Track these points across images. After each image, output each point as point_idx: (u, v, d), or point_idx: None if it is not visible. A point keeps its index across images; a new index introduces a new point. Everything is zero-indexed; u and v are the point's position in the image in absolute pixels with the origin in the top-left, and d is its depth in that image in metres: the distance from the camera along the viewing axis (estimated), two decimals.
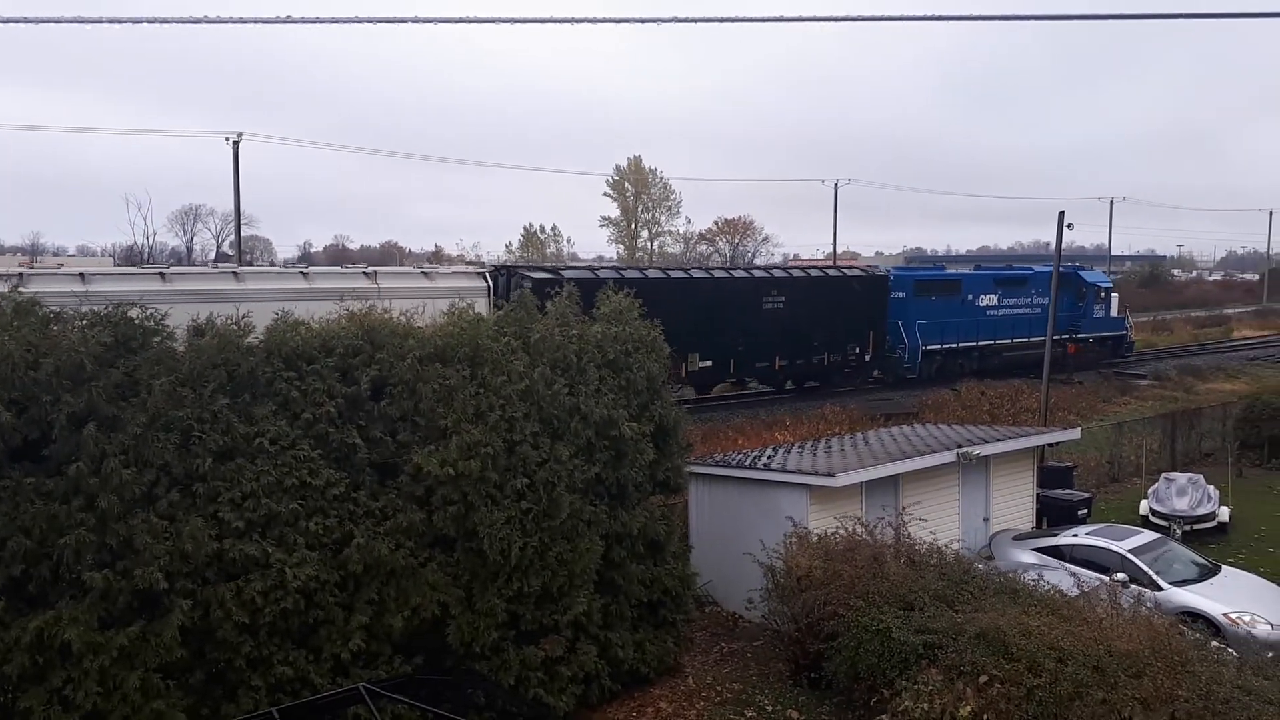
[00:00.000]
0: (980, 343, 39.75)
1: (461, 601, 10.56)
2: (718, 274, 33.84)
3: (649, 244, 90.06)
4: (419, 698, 8.14)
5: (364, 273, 24.84)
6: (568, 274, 26.93)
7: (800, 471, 14.36)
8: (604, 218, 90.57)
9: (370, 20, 10.19)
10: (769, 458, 15.91)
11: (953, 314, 38.82)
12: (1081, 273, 46.70)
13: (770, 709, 11.86)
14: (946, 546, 13.26)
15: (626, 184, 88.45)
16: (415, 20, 10.40)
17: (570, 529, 11.11)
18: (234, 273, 23.15)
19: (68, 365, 8.89)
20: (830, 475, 13.89)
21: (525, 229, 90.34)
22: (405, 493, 10.36)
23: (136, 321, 9.76)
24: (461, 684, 10.03)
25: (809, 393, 34.60)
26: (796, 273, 36.37)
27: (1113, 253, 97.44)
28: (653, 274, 31.16)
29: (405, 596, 10.17)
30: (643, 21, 10.84)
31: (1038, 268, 46.20)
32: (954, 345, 38.59)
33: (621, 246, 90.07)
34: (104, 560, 8.67)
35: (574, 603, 11.14)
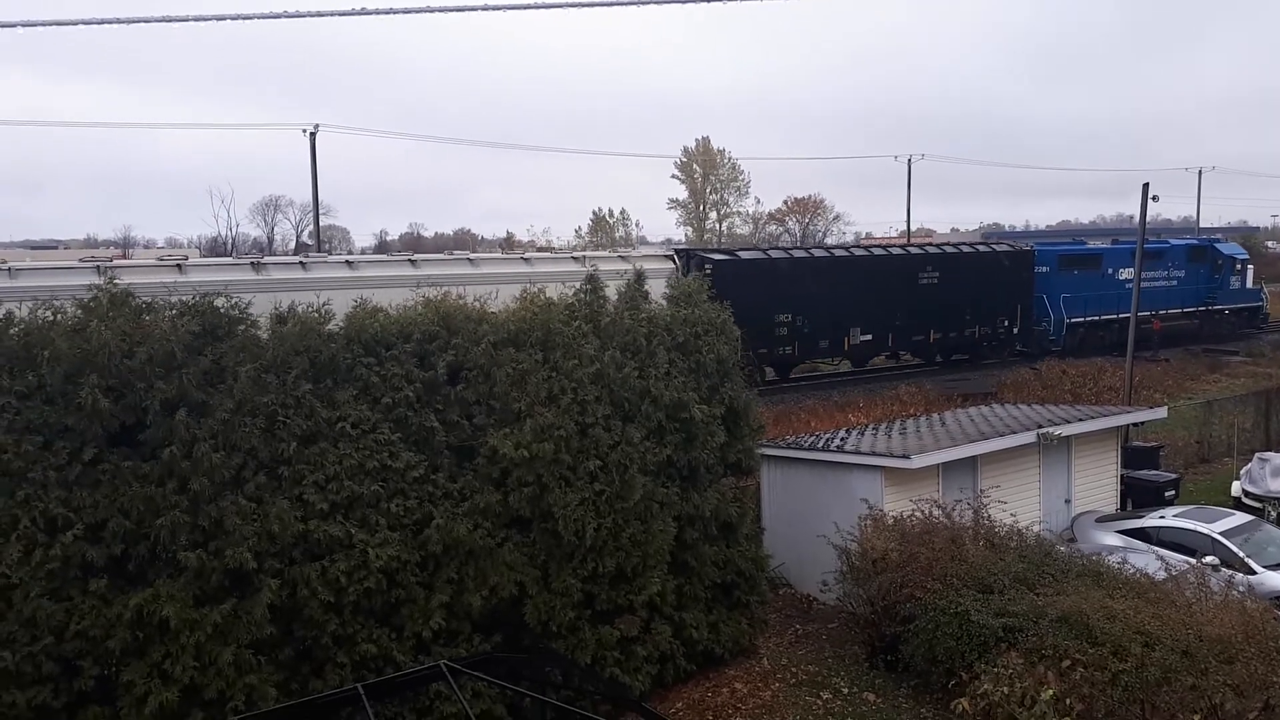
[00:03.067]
0: (1120, 315, 39.38)
1: (538, 581, 10.73)
2: (877, 251, 35.12)
3: (718, 225, 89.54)
4: (498, 675, 8.31)
5: (573, 257, 26.35)
6: (744, 255, 30.83)
7: (875, 453, 14.22)
8: (672, 200, 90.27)
9: (433, 9, 10.30)
10: (842, 439, 15.78)
11: (1094, 287, 39.29)
12: (1218, 245, 47.10)
13: (846, 691, 11.81)
14: (1027, 529, 13.02)
15: (695, 165, 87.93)
16: (468, 8, 10.48)
17: (643, 510, 11.19)
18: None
19: (160, 353, 9.25)
20: (906, 457, 13.72)
21: (594, 213, 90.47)
22: (482, 474, 10.56)
23: (222, 310, 10.09)
24: (539, 662, 10.22)
25: (889, 375, 34.53)
26: (949, 249, 37.40)
27: (1201, 225, 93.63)
28: (818, 253, 33.52)
29: (483, 576, 10.37)
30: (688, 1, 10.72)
31: (1174, 241, 46.37)
32: (1096, 318, 39.05)
33: (690, 229, 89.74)
34: (197, 540, 9.03)
35: (648, 583, 11.23)
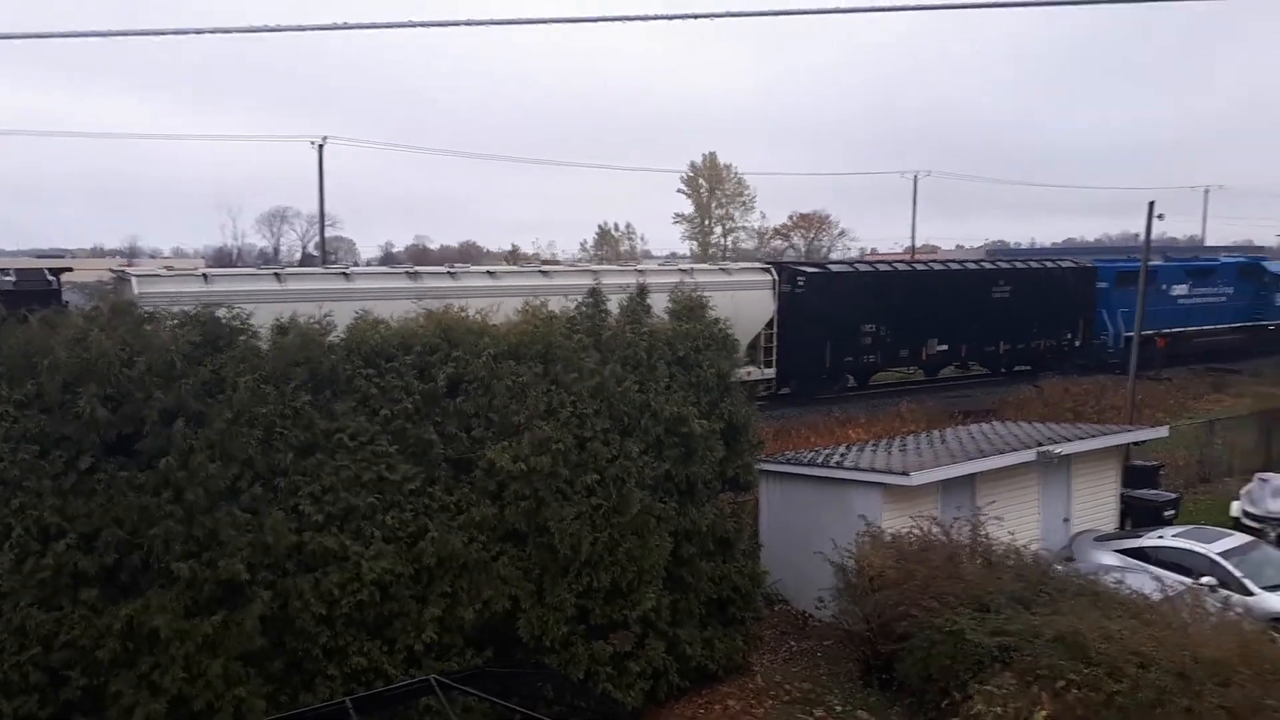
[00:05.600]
0: (1174, 330, 41.24)
1: (532, 595, 10.72)
2: (954, 266, 36.80)
3: (723, 240, 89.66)
4: (489, 690, 8.29)
5: (681, 269, 28.73)
6: (833, 268, 32.73)
7: (874, 470, 14.19)
8: (678, 214, 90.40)
9: (424, 24, 10.36)
10: (842, 455, 15.76)
11: (1149, 303, 39.82)
12: (1264, 263, 48.31)
13: (840, 709, 11.76)
14: (1025, 547, 12.97)
15: (701, 180, 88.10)
16: (468, 23, 10.55)
17: (640, 525, 11.18)
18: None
19: (159, 363, 9.29)
20: (905, 474, 13.70)
21: (600, 227, 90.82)
22: (479, 487, 10.56)
23: (223, 321, 10.13)
24: (531, 677, 10.18)
25: (892, 392, 34.78)
26: (1019, 264, 38.82)
27: (1207, 243, 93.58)
28: (901, 267, 35.18)
29: (477, 589, 10.36)
30: (695, 17, 10.79)
31: (1224, 259, 47.98)
32: (1151, 333, 39.63)
33: (695, 243, 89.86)
34: (191, 551, 9.04)
35: (643, 598, 11.21)
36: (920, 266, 36.02)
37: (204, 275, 20.72)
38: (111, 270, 25.50)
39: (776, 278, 28.86)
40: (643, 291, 12.83)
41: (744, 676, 12.54)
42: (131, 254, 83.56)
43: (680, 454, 11.87)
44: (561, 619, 10.74)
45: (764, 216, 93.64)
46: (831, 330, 30.07)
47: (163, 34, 11.09)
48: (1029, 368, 36.89)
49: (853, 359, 31.17)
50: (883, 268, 34.70)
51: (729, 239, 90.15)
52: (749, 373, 28.11)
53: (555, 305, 12.15)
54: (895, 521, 13.42)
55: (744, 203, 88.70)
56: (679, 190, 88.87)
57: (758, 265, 31.85)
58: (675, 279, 25.94)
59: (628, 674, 11.16)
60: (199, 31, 10.88)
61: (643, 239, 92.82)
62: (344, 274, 22.48)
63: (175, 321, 9.90)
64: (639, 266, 29.70)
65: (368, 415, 10.29)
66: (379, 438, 10.21)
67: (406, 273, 23.35)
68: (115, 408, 9.12)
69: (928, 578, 11.55)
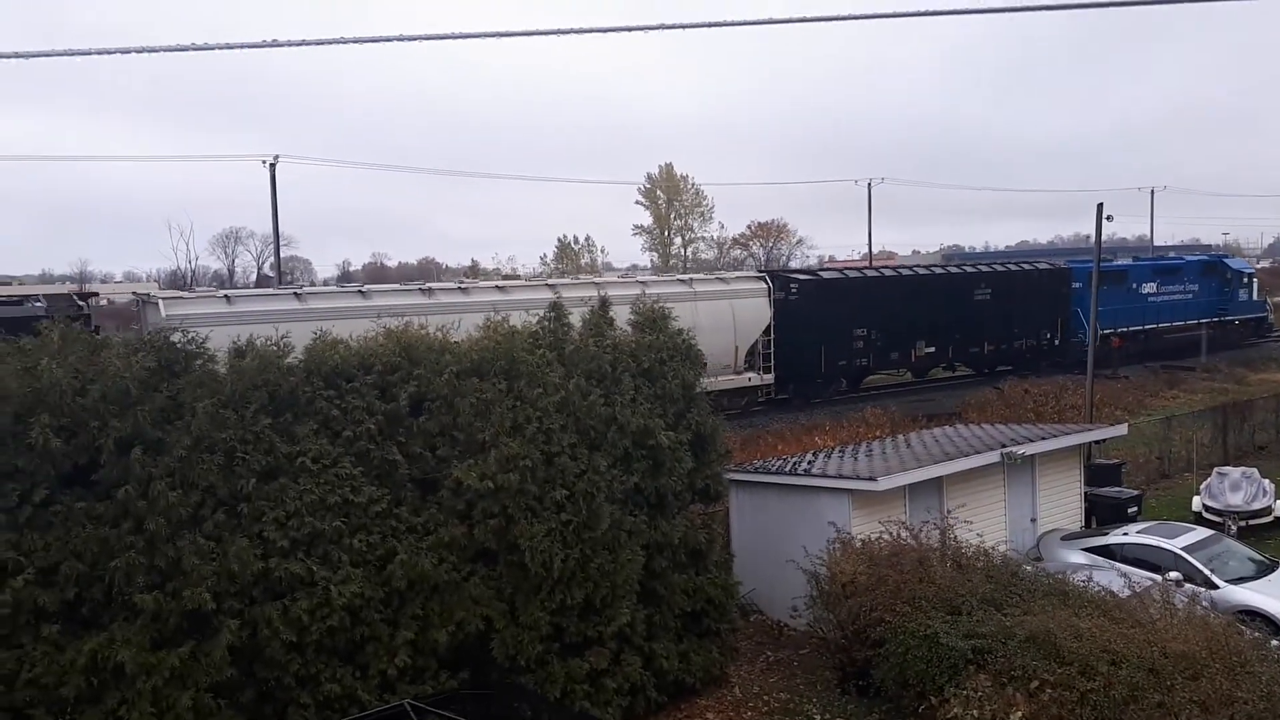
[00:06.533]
0: (1146, 327, 42.79)
1: (505, 615, 10.59)
2: (938, 271, 38.47)
3: (683, 250, 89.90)
4: (465, 713, 8.18)
5: (680, 279, 29.32)
6: (824, 275, 34.02)
7: (841, 476, 14.23)
8: (637, 226, 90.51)
9: (373, 40, 10.27)
10: (809, 463, 15.79)
11: (1121, 301, 41.38)
12: (1227, 260, 50.53)
13: (819, 718, 11.74)
14: (993, 549, 13.07)
15: (658, 191, 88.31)
16: (435, 37, 10.47)
17: (611, 540, 11.10)
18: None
19: (114, 390, 9.06)
20: (872, 479, 13.75)
21: (559, 240, 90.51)
22: (446, 507, 10.42)
23: (179, 345, 9.92)
24: (508, 698, 10.05)
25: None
26: (998, 267, 40.05)
27: (1155, 243, 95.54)
28: (888, 273, 36.77)
29: (449, 611, 10.22)
30: (645, 29, 10.79)
31: (1188, 257, 50.41)
32: (1125, 329, 41.23)
33: (655, 254, 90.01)
34: (154, 582, 8.82)
35: (617, 614, 11.12)
36: (906, 271, 37.33)
37: (226, 296, 21.09)
38: (135, 293, 25.78)
39: (771, 285, 29.64)
40: (604, 304, 12.78)
41: (722, 689, 12.48)
42: (82, 279, 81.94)
43: (649, 466, 11.81)
44: (536, 638, 10.61)
45: (723, 226, 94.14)
46: (825, 335, 30.88)
47: (108, 53, 10.86)
48: (1011, 367, 37.93)
49: (845, 362, 32.12)
50: (871, 274, 36.30)
51: (689, 249, 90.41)
52: (749, 379, 28.40)
53: (516, 320, 12.11)
54: (865, 527, 13.46)
55: (702, 213, 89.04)
56: (637, 202, 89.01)
57: (753, 274, 32.81)
58: (677, 289, 27.40)
59: (605, 691, 11.05)
60: (140, 50, 10.67)
61: (603, 251, 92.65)
62: (360, 291, 23.26)
63: (127, 347, 9.69)
64: (640, 278, 30.99)
65: (330, 437, 10.12)
66: (342, 460, 10.05)
67: (420, 289, 24.13)
68: (69, 438, 8.89)
69: (899, 582, 11.58)
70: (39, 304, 21.29)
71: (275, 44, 8.67)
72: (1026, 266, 41.22)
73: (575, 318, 12.42)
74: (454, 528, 10.34)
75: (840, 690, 12.28)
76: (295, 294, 21.76)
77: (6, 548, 8.45)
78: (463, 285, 25.15)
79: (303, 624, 9.34)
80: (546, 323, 12.19)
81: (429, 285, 24.89)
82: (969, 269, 39.04)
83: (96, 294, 25.97)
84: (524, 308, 15.00)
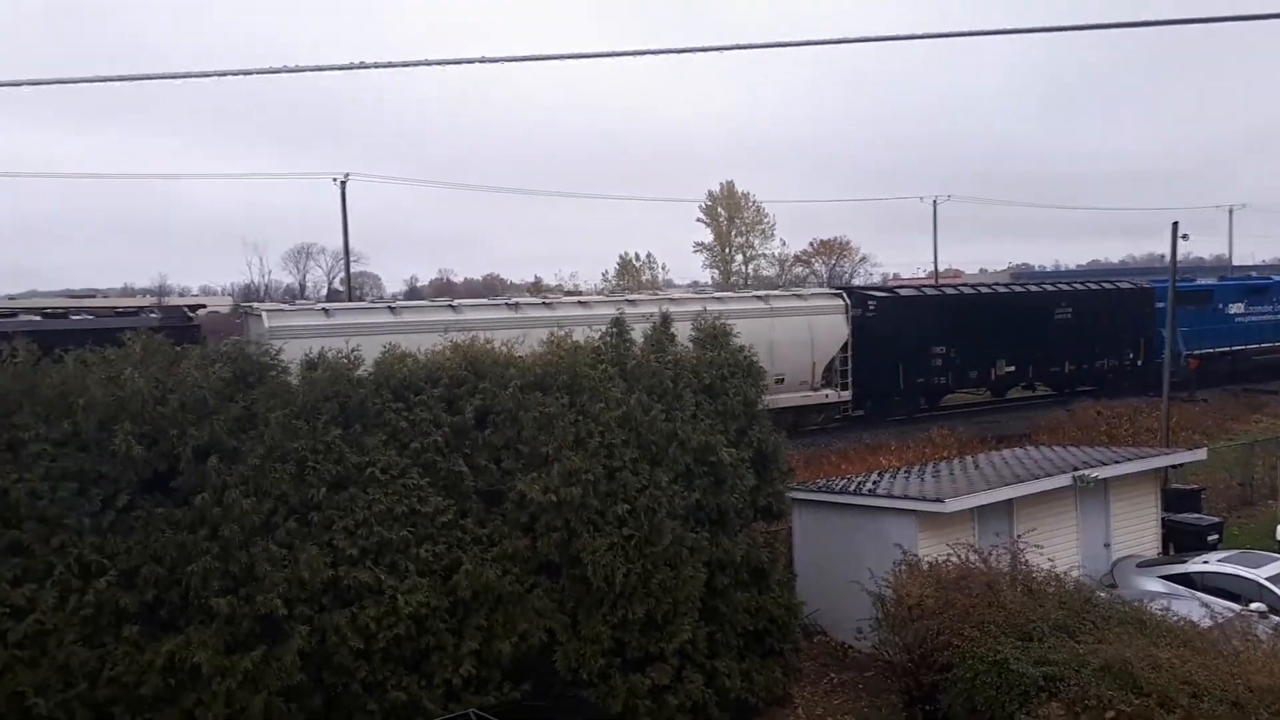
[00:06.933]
0: (1233, 348, 41.83)
1: (567, 628, 10.62)
2: (1018, 289, 37.68)
3: (744, 267, 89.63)
4: None
5: (757, 295, 29.45)
6: (902, 293, 33.88)
7: (908, 497, 14.00)
8: (698, 243, 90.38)
9: (440, 62, 10.44)
10: (874, 483, 15.57)
11: (1207, 322, 40.61)
12: None
13: None
14: (1065, 574, 12.71)
15: (720, 209, 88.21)
16: (484, 60, 10.61)
17: (673, 556, 11.07)
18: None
19: (192, 400, 9.35)
20: (940, 501, 13.51)
21: (621, 257, 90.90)
22: (510, 519, 10.51)
23: (253, 357, 10.20)
24: (569, 711, 10.06)
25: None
26: (1079, 286, 39.39)
27: (1235, 263, 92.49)
28: (967, 290, 36.26)
29: (513, 622, 10.28)
30: (686, 51, 10.80)
31: (1276, 278, 48.43)
32: (1210, 350, 40.28)
33: (716, 271, 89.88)
34: (228, 587, 9.05)
35: (679, 630, 11.07)
36: (985, 289, 36.82)
37: (324, 309, 21.68)
38: (240, 305, 26.86)
39: (848, 302, 29.44)
40: (666, 320, 12.81)
41: (785, 709, 12.33)
42: (161, 292, 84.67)
43: (710, 483, 11.77)
44: (598, 651, 10.62)
45: (784, 243, 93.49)
46: (902, 353, 30.50)
47: (185, 77, 11.25)
48: (1092, 388, 37.06)
49: (924, 380, 31.69)
50: (949, 291, 35.90)
51: (750, 266, 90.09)
52: (826, 395, 28.24)
53: (580, 335, 12.23)
54: (931, 549, 13.20)
55: (763, 230, 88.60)
56: (698, 219, 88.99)
57: (830, 290, 32.55)
58: (754, 305, 27.79)
59: (666, 707, 11.00)
60: (222, 74, 11.03)
61: (664, 268, 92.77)
62: (451, 306, 23.68)
63: (204, 359, 9.99)
64: (717, 294, 31.43)
65: (398, 449, 10.30)
66: (410, 471, 10.21)
67: (507, 304, 24.51)
68: (150, 445, 9.19)
69: (968, 606, 11.32)
70: (154, 315, 22.27)
71: (363, 66, 8.91)
72: (1108, 285, 40.39)
73: (637, 333, 12.48)
74: (517, 540, 10.42)
75: (906, 715, 12.02)
76: (390, 308, 22.25)
77: (91, 550, 8.75)
78: (546, 300, 25.36)
79: (370, 631, 9.48)
80: (609, 338, 12.26)
81: (515, 300, 25.25)
82: (1049, 287, 38.37)
83: (204, 305, 27.03)
84: (579, 323, 15.15)
